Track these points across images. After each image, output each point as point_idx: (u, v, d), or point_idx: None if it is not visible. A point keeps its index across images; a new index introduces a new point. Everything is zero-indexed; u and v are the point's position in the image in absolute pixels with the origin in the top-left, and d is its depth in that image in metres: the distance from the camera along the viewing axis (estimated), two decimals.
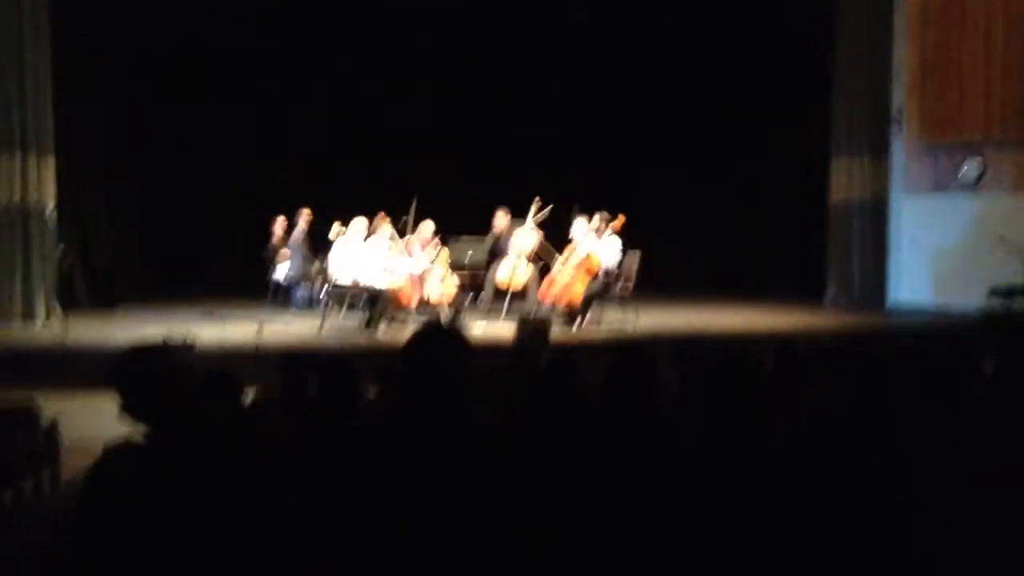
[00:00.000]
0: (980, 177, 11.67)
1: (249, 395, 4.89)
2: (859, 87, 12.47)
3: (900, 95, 12.39)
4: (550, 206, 11.03)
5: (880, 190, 12.55)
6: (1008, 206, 11.50)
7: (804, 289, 12.76)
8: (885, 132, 12.51)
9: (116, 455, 2.55)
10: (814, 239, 12.97)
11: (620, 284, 10.24)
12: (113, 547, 2.41)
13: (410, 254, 10.79)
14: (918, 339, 3.68)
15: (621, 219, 10.23)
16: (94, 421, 6.82)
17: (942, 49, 11.90)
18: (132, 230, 13.51)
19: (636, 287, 10.36)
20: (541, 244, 10.91)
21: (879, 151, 12.52)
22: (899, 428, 3.16)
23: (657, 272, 11.38)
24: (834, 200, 12.73)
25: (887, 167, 12.56)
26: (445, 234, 10.98)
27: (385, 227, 10.38)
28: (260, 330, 8.96)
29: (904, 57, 12.30)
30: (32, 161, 10.87)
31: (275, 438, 3.26)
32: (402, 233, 10.93)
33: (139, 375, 2.68)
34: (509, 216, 11.22)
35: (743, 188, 14.20)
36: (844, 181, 12.62)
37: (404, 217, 11.09)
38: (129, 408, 2.65)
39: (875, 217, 12.56)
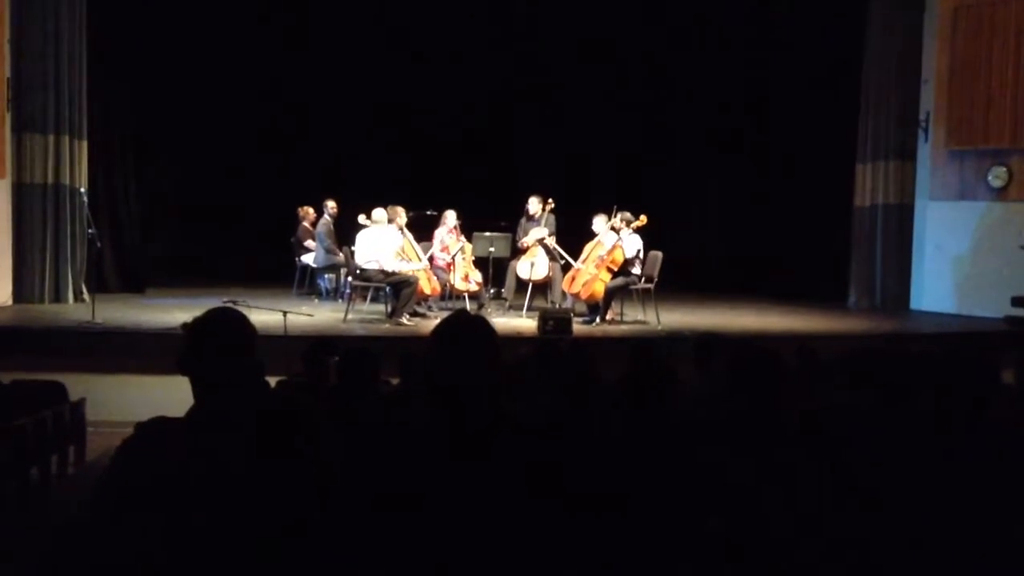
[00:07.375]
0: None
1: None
2: (886, 92, 12.40)
3: (928, 101, 12.32)
4: (550, 200, 11.05)
5: (905, 196, 12.48)
6: None
7: (827, 293, 12.73)
8: (911, 138, 12.44)
9: (148, 432, 2.56)
10: (838, 243, 12.93)
11: (642, 281, 10.26)
12: (138, 522, 2.41)
13: (431, 243, 10.89)
14: (940, 345, 3.70)
15: (643, 219, 10.24)
16: (118, 404, 6.93)
17: (971, 57, 11.82)
18: (163, 216, 13.64)
19: (659, 286, 10.37)
20: (552, 239, 11.00)
21: (905, 157, 12.46)
22: (917, 432, 3.18)
23: (681, 273, 11.36)
24: (859, 205, 12.67)
25: (913, 173, 12.50)
26: (468, 228, 11.04)
27: (400, 217, 10.44)
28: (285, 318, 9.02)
29: (932, 64, 12.24)
30: (66, 144, 11.01)
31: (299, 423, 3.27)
32: (419, 225, 11.00)
33: (211, 322, 2.67)
34: (543, 203, 11.18)
35: (768, 191, 14.15)
36: (869, 186, 12.55)
37: (429, 211, 11.16)
38: (188, 356, 2.61)
39: (900, 223, 12.50)
